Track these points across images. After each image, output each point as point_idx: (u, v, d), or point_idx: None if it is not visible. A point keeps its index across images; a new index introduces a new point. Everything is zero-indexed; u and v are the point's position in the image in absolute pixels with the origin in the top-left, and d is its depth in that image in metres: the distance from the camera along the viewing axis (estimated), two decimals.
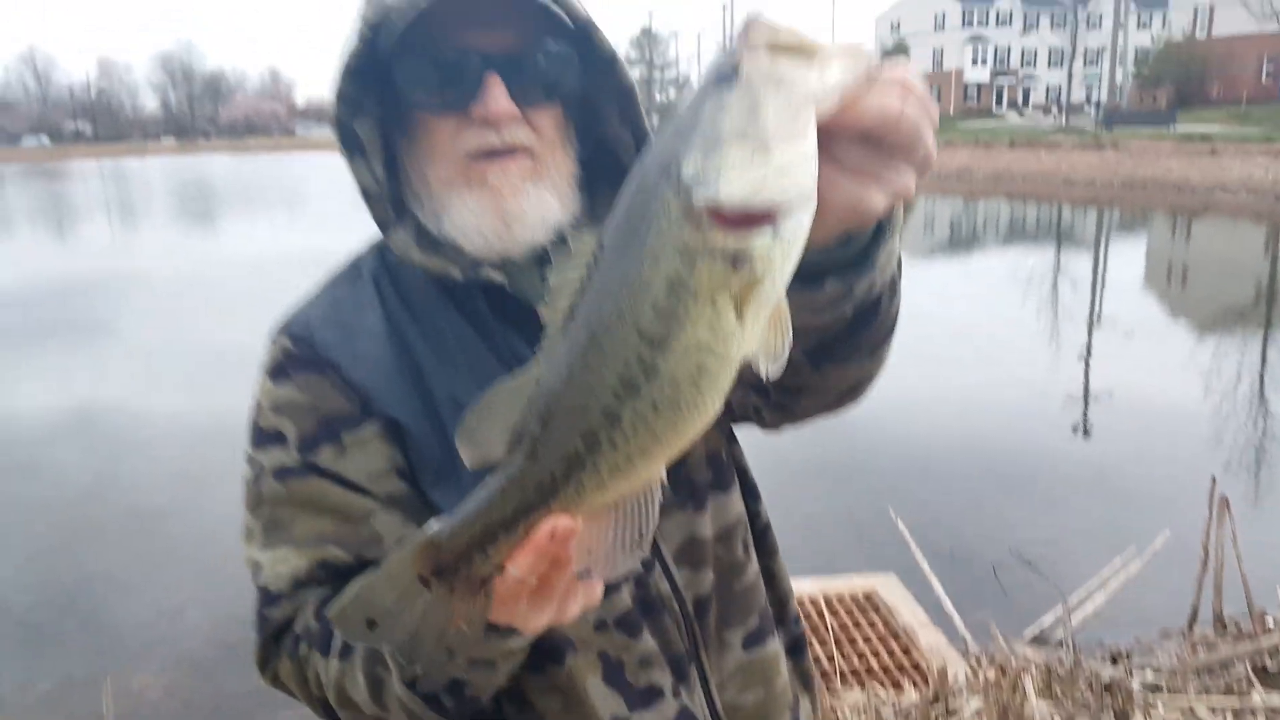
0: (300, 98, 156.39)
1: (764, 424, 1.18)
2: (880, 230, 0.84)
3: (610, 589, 1.03)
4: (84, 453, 8.07)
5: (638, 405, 0.67)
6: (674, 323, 0.64)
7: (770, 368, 0.67)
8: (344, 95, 1.05)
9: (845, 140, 0.69)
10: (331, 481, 1.03)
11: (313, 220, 30.88)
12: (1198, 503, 4.45)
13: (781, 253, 0.64)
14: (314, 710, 1.07)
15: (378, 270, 1.13)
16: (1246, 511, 6.07)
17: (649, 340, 0.65)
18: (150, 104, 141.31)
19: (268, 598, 1.05)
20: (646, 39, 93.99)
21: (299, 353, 1.06)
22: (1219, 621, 4.31)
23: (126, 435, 8.52)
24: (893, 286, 0.93)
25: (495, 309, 1.08)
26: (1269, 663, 3.70)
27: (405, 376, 1.05)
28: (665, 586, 1.11)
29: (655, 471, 0.72)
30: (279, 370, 1.07)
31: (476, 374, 1.04)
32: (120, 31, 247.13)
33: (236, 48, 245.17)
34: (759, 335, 0.66)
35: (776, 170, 0.62)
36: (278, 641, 1.05)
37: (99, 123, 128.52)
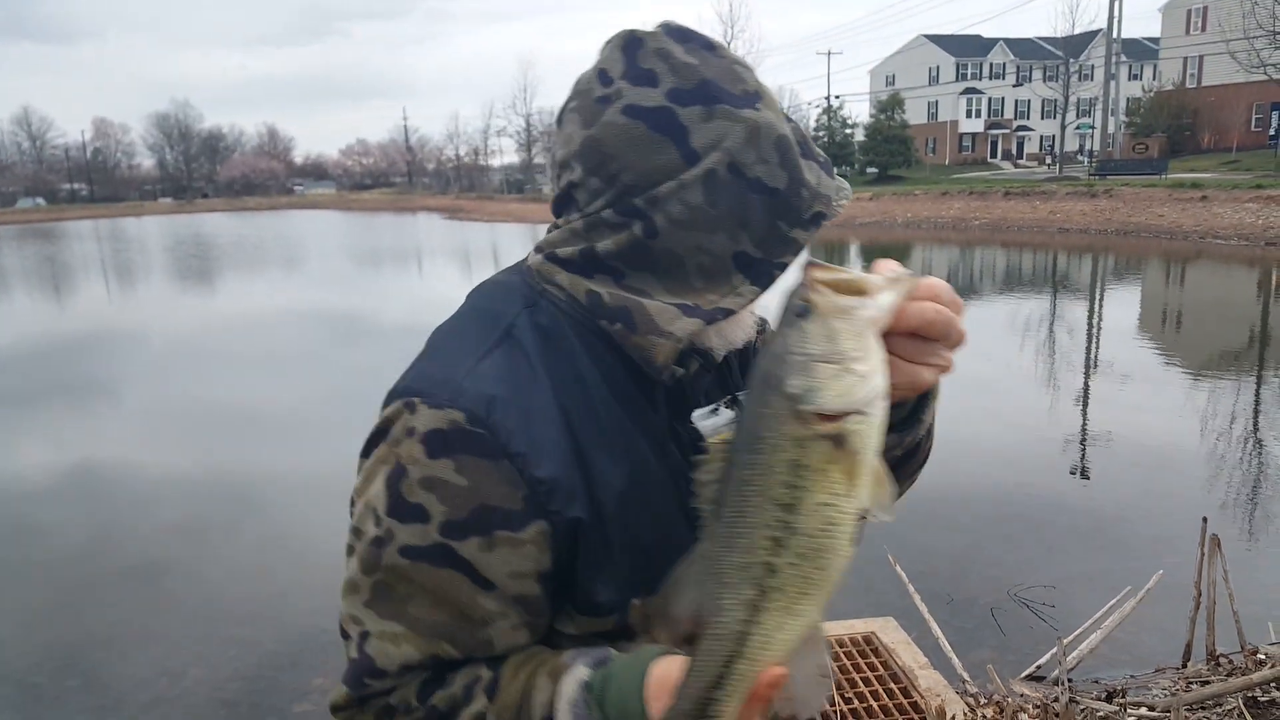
0: (298, 155, 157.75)
1: None
2: (924, 396, 1.06)
3: None
4: (82, 511, 8.08)
5: (787, 556, 0.85)
6: (800, 492, 0.84)
7: (882, 515, 0.86)
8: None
9: (899, 338, 0.92)
10: (464, 576, 1.00)
11: (310, 278, 31.12)
12: (1192, 543, 4.49)
13: (869, 430, 0.84)
14: None
15: (535, 340, 1.07)
16: (1240, 550, 6.12)
17: (784, 507, 0.84)
18: (147, 163, 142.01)
19: (372, 670, 1.03)
20: None
21: (472, 432, 0.99)
22: (1212, 658, 4.32)
23: (124, 493, 8.54)
24: (929, 432, 1.16)
25: (673, 398, 1.13)
26: (1261, 697, 3.73)
27: (578, 467, 1.03)
28: None
29: (817, 612, 0.88)
30: (441, 442, 0.99)
31: (630, 458, 1.07)
32: (116, 92, 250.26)
33: (233, 106, 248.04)
34: (868, 490, 0.85)
35: (858, 378, 0.84)
36: (364, 704, 1.05)
37: (95, 183, 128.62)
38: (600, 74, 1.06)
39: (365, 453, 1.07)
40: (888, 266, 0.91)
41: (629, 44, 1.06)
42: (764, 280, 1.06)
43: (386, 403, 1.06)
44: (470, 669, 1.03)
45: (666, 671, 0.94)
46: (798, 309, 0.86)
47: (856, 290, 0.87)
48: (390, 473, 1.01)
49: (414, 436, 1.00)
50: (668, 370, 1.07)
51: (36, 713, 4.95)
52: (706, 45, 1.07)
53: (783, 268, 1.07)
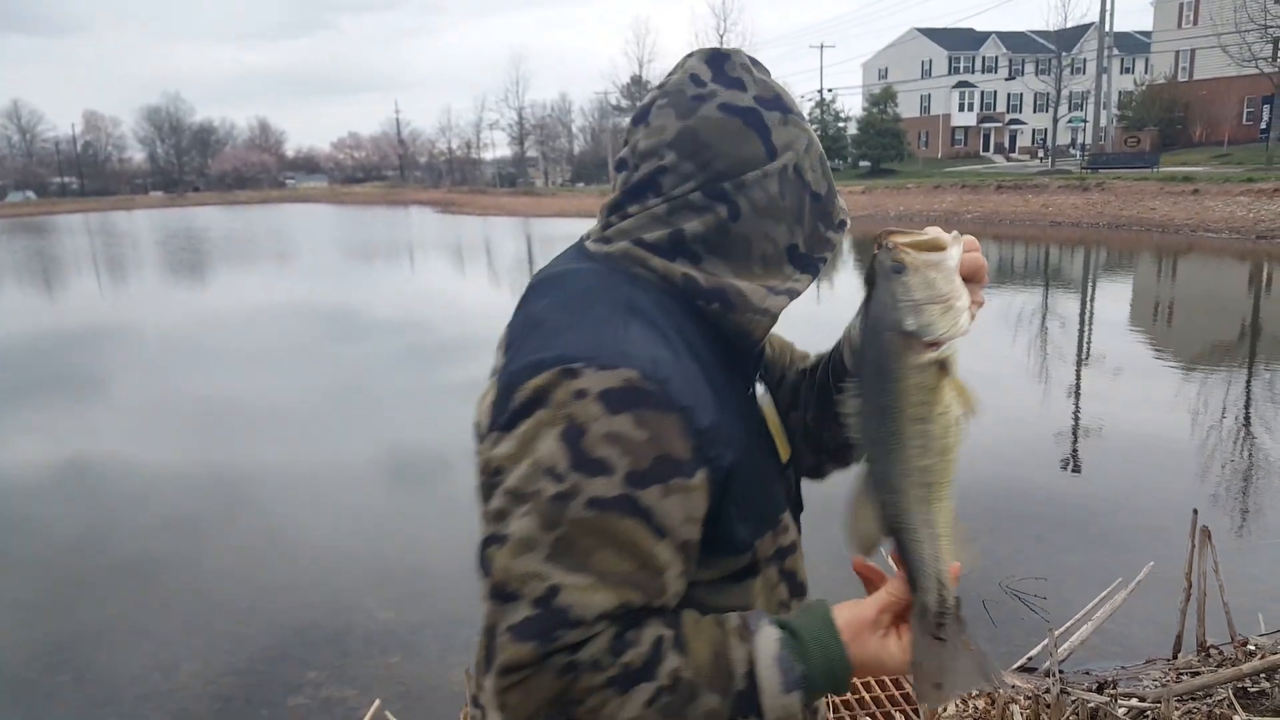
0: (290, 148, 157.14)
1: (819, 476, 1.52)
2: None
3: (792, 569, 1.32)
4: (74, 506, 8.07)
5: (933, 458, 1.10)
6: (929, 406, 1.09)
7: (976, 412, 1.12)
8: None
9: None
10: (645, 524, 1.06)
11: (302, 272, 31.05)
12: (1183, 534, 4.51)
13: (957, 352, 1.09)
14: (528, 715, 1.05)
15: (657, 313, 1.17)
16: (1230, 541, 6.15)
17: (919, 420, 1.09)
18: (138, 157, 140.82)
19: (566, 620, 1.03)
20: (637, 88, 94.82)
21: (647, 389, 1.07)
22: (1202, 649, 4.34)
23: (117, 488, 8.54)
24: None
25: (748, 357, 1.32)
26: (1251, 688, 3.76)
27: (720, 419, 1.14)
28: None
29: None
30: (619, 399, 1.06)
31: (741, 415, 1.22)
32: (106, 85, 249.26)
33: (224, 99, 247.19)
34: (966, 397, 1.11)
35: (957, 312, 1.08)
36: (549, 659, 1.03)
37: (85, 176, 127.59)
38: (692, 78, 1.21)
39: (509, 424, 1.09)
40: (935, 230, 1.12)
41: (715, 58, 1.22)
42: (812, 270, 1.25)
43: (526, 376, 1.09)
44: (652, 627, 1.07)
45: (855, 613, 1.14)
46: (893, 267, 1.08)
47: (935, 247, 1.09)
48: (565, 431, 1.05)
49: (587, 397, 1.05)
50: (761, 343, 1.27)
51: (29, 708, 4.95)
52: (765, 70, 1.25)
53: (823, 262, 1.26)
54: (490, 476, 1.09)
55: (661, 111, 1.20)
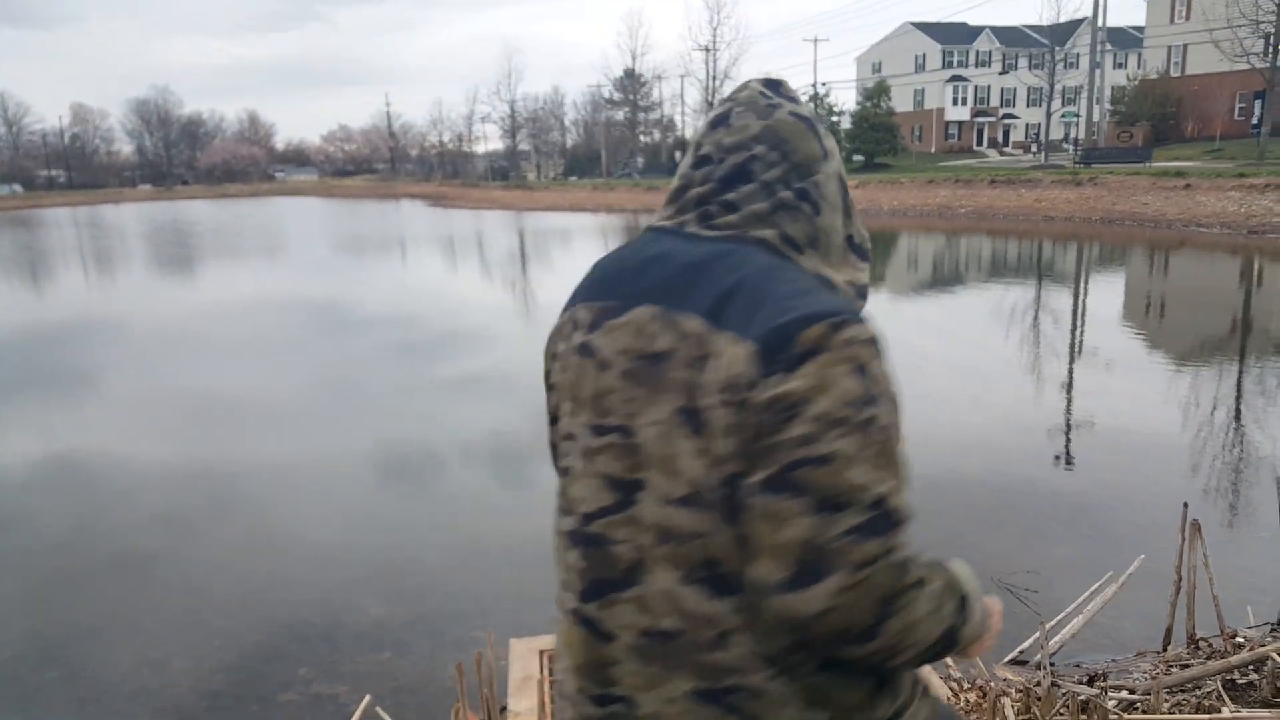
0: (280, 141, 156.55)
1: None
2: None
3: None
4: (63, 501, 8.03)
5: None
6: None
7: None
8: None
9: None
10: (901, 444, 1.28)
11: (291, 267, 30.96)
12: (1173, 528, 4.52)
13: None
14: (859, 614, 1.20)
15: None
16: (1220, 535, 6.17)
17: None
18: (126, 150, 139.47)
19: (897, 518, 1.23)
20: (630, 81, 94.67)
21: (880, 339, 1.31)
22: (1191, 641, 4.37)
23: (106, 483, 8.50)
24: None
25: None
26: (1239, 679, 3.78)
27: None
28: None
29: None
30: (879, 346, 1.30)
31: None
32: (94, 77, 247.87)
33: (214, 92, 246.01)
34: None
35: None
36: (890, 554, 1.21)
37: (73, 170, 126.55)
38: (761, 93, 1.46)
39: (792, 366, 1.24)
40: None
41: (771, 83, 1.49)
42: (867, 260, 1.50)
43: (798, 329, 1.24)
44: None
45: None
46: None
47: None
48: (856, 369, 1.25)
49: (858, 343, 1.26)
50: None
51: (18, 705, 4.92)
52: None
53: (870, 253, 1.52)
54: (785, 410, 1.23)
55: (742, 115, 1.43)
